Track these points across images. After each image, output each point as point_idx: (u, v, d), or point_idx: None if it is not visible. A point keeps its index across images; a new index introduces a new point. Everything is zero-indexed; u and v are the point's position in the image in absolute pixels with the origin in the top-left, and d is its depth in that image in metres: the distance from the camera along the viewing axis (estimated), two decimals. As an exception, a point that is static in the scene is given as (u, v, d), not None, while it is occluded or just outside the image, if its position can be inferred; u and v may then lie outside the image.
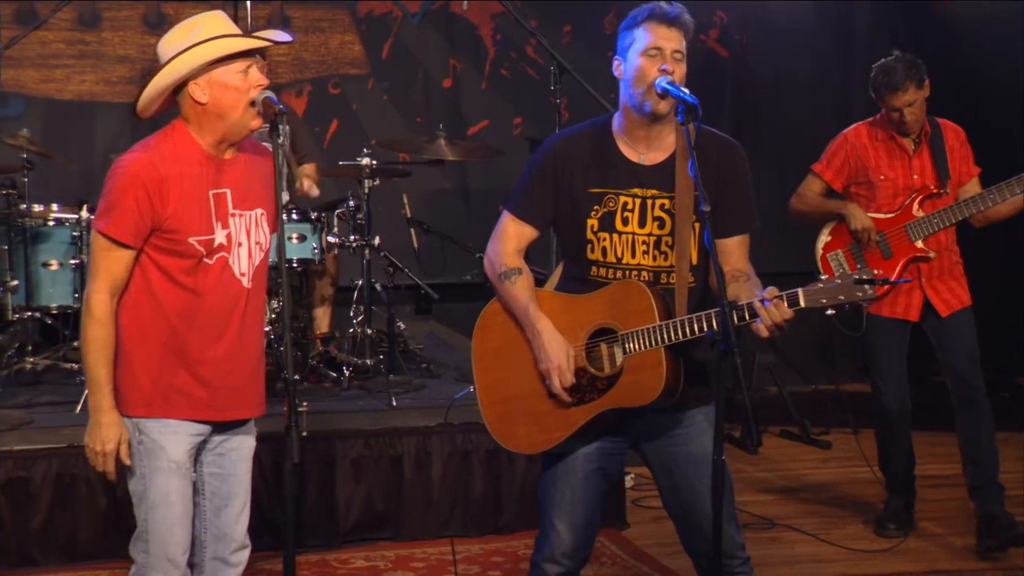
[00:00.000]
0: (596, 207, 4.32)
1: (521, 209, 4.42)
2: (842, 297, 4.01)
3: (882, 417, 6.57)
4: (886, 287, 5.88)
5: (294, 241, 7.01)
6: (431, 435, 6.57)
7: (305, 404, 4.35)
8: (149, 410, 4.19)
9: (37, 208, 7.03)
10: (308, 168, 7.72)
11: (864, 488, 7.31)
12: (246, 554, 4.45)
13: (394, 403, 6.81)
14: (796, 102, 9.71)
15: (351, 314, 7.50)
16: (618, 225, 4.30)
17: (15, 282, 7.04)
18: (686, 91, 4.14)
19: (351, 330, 7.42)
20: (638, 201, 4.29)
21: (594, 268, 4.35)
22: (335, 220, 7.30)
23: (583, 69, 9.31)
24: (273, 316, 6.98)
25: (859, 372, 9.67)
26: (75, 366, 6.91)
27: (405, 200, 7.92)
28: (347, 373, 7.23)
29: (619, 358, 4.25)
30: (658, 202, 4.30)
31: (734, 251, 4.37)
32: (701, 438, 4.37)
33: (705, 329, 4.10)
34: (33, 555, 6.15)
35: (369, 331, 7.41)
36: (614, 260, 4.32)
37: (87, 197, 7.09)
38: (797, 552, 6.49)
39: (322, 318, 7.57)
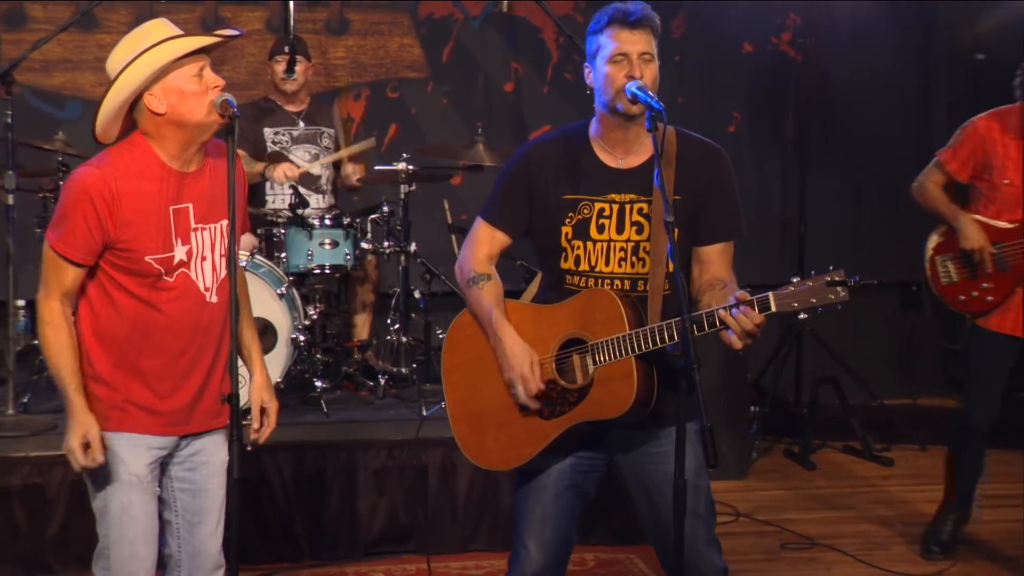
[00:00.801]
0: (571, 214, 4.19)
1: (493, 215, 4.31)
2: (814, 300, 3.86)
3: (965, 432, 6.30)
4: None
5: (326, 247, 6.92)
6: (456, 446, 6.42)
7: (249, 418, 4.18)
8: (107, 423, 4.11)
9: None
10: (352, 167, 7.67)
11: (918, 508, 7.10)
12: (221, 573, 4.34)
13: (425, 413, 6.69)
14: (870, 106, 9.45)
15: (388, 321, 7.39)
16: (593, 233, 4.17)
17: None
18: (654, 96, 4.02)
19: (388, 337, 7.31)
20: (615, 207, 4.16)
21: (568, 277, 4.23)
22: (368, 226, 7.20)
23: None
24: (307, 323, 6.90)
25: (940, 386, 9.45)
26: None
27: (446, 206, 7.79)
28: (383, 381, 7.12)
29: (590, 369, 4.11)
30: (636, 206, 4.17)
31: (715, 259, 4.23)
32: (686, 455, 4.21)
33: (676, 339, 3.96)
34: (49, 562, 6.12)
35: (405, 339, 7.30)
36: (587, 268, 4.20)
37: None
38: (833, 573, 6.27)
39: (362, 325, 7.48)
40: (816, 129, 9.26)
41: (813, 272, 3.88)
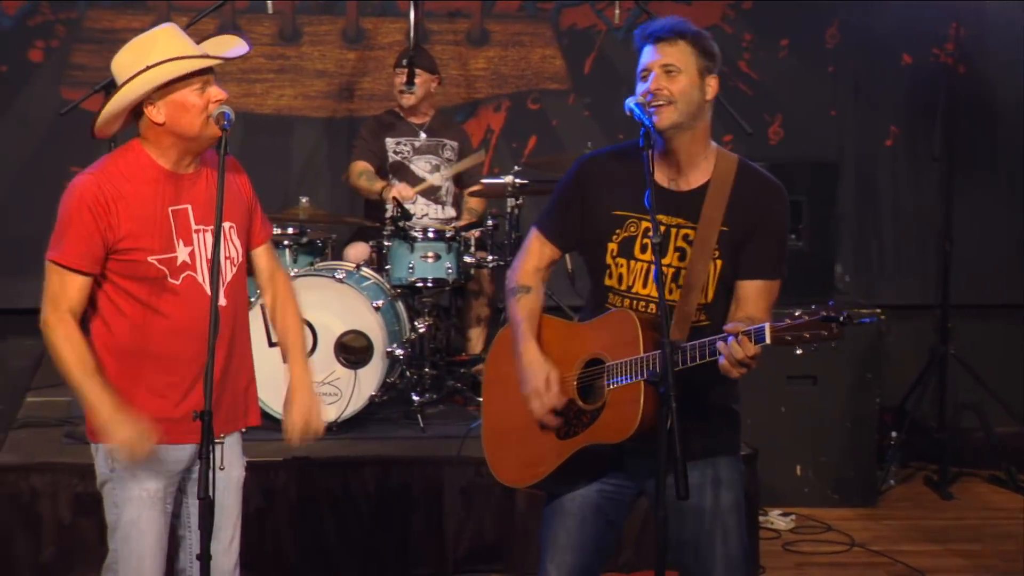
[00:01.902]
0: (618, 231, 4.12)
1: (546, 227, 4.27)
2: (807, 335, 3.73)
3: None
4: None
5: (428, 260, 6.90)
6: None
7: (223, 436, 4.13)
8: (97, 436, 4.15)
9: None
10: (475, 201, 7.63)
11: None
12: None
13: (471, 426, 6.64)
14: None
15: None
16: (636, 252, 4.09)
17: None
18: (650, 113, 3.95)
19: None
20: (662, 228, 4.03)
21: (610, 295, 4.15)
22: (472, 239, 7.15)
23: (800, 84, 8.97)
24: (413, 336, 6.89)
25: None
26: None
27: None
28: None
29: (606, 391, 4.04)
30: (682, 232, 4.07)
31: (750, 296, 4.10)
32: (713, 491, 4.14)
33: (682, 363, 3.89)
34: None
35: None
36: (626, 289, 4.12)
37: (279, 210, 7.17)
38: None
39: (476, 339, 7.43)
40: (979, 146, 8.91)
41: (813, 307, 3.75)
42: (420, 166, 7.58)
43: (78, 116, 8.24)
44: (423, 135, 7.61)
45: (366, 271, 6.83)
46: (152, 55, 4.04)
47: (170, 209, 4.09)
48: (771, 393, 7.34)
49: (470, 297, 7.44)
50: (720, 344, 3.81)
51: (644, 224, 4.07)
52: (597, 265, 4.19)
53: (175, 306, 4.10)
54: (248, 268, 4.38)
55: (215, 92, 4.09)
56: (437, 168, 7.59)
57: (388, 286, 6.85)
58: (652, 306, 4.08)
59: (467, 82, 8.79)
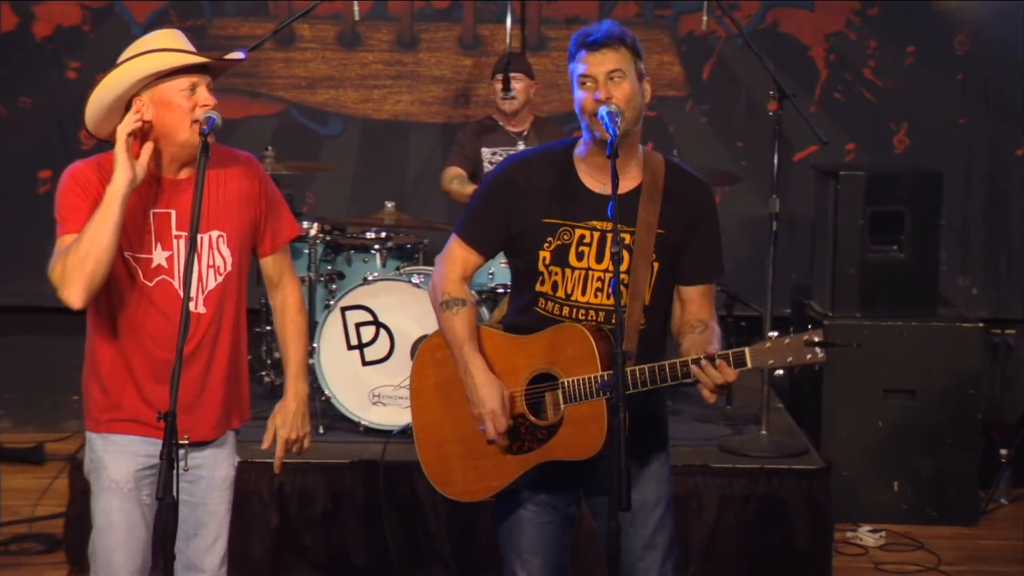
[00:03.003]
0: (550, 239, 4.07)
1: (468, 234, 4.20)
2: (791, 359, 3.73)
3: None
4: None
5: (506, 266, 6.90)
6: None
7: (187, 437, 4.15)
8: (96, 425, 4.24)
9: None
10: None
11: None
12: None
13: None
14: None
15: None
16: (572, 260, 4.05)
17: (270, 296, 7.27)
18: (615, 123, 3.89)
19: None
20: (596, 235, 4.02)
21: (542, 300, 4.11)
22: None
23: (928, 92, 8.77)
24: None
25: None
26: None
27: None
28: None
29: (561, 407, 4.02)
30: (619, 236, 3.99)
31: (696, 299, 4.10)
32: (642, 484, 4.13)
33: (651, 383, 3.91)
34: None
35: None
36: (563, 296, 4.07)
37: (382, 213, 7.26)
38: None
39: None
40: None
41: (791, 329, 3.70)
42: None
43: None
44: (520, 144, 7.62)
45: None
46: (143, 49, 4.07)
47: (152, 212, 4.12)
48: (867, 407, 7.20)
49: (562, 305, 7.42)
50: (695, 369, 3.81)
51: (579, 232, 4.03)
52: (527, 271, 4.14)
53: (148, 308, 4.13)
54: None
55: (203, 96, 4.07)
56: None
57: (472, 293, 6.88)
58: (592, 313, 4.04)
59: (583, 88, 8.77)
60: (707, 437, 6.79)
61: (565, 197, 4.02)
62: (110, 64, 7.75)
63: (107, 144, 4.18)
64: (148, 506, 4.27)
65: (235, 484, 4.48)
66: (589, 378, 3.95)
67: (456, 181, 7.48)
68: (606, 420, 3.88)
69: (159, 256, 4.13)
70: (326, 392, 6.62)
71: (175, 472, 3.82)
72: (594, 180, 4.07)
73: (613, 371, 3.74)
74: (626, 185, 4.04)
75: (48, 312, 8.37)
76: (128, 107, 4.09)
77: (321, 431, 6.63)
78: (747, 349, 3.74)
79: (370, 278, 6.70)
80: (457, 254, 4.21)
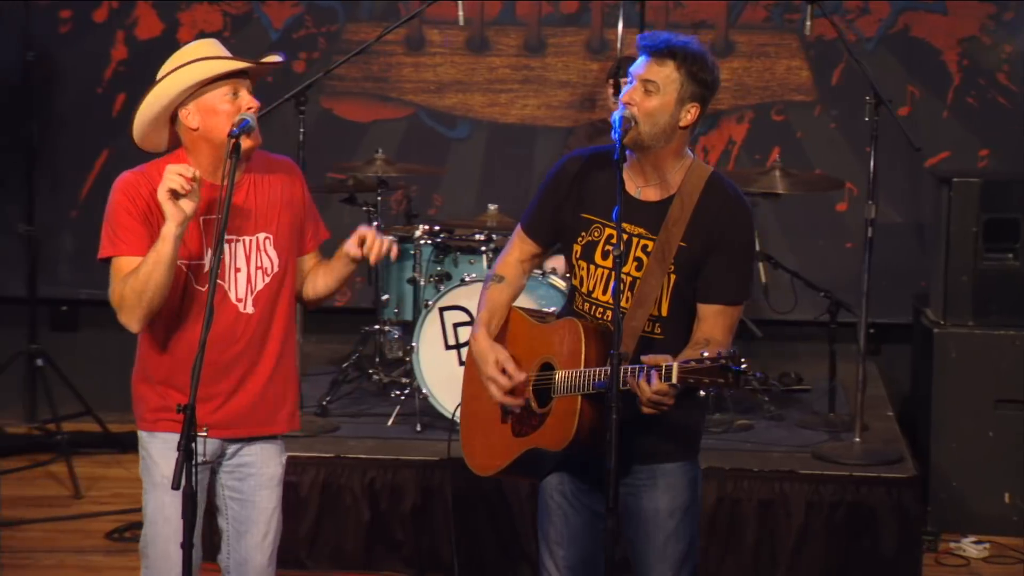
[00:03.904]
0: (583, 233, 4.16)
1: (524, 222, 4.35)
2: (706, 380, 3.69)
3: None
4: None
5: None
6: (698, 479, 6.33)
7: (206, 429, 4.24)
8: (147, 424, 4.40)
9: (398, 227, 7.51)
10: None
11: None
12: None
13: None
14: None
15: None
16: (597, 258, 4.12)
17: (385, 296, 7.43)
18: (623, 128, 3.98)
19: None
20: (624, 237, 4.03)
21: (577, 296, 4.22)
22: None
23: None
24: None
25: None
26: (407, 380, 7.16)
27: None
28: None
29: (552, 398, 4.11)
30: (642, 242, 4.10)
31: (708, 318, 4.09)
32: (654, 492, 4.18)
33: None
34: (301, 558, 6.47)
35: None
36: (587, 292, 4.17)
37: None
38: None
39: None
40: None
41: (720, 353, 3.68)
42: (629, 177, 7.61)
43: (335, 124, 8.75)
44: (633, 148, 7.63)
45: (554, 279, 6.91)
46: (184, 60, 4.26)
47: (201, 219, 4.28)
48: (978, 418, 7.08)
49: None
50: (630, 379, 3.82)
51: (608, 231, 4.09)
52: (568, 264, 4.27)
53: (197, 312, 4.27)
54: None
55: (246, 100, 4.24)
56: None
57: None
58: (609, 313, 4.07)
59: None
60: (803, 443, 6.75)
61: (605, 196, 4.05)
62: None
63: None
64: (199, 503, 4.37)
65: (284, 482, 4.62)
66: (571, 372, 4.02)
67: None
68: (577, 417, 3.98)
69: (210, 261, 4.27)
70: (424, 390, 6.73)
71: (194, 464, 3.94)
72: (632, 183, 4.14)
73: (610, 374, 3.79)
74: (660, 194, 4.11)
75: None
76: (174, 119, 4.29)
77: (419, 428, 6.77)
78: (675, 365, 3.71)
79: (467, 279, 6.80)
80: (515, 240, 4.37)
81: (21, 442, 8.12)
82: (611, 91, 7.62)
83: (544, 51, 8.85)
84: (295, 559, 6.46)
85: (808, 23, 6.97)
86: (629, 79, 4.08)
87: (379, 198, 7.45)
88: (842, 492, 6.26)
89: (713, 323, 4.06)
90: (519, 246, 4.34)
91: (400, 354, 7.41)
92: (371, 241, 4.36)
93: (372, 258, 4.37)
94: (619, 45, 7.83)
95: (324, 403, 7.14)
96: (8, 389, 8.35)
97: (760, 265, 7.39)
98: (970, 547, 6.82)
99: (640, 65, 4.05)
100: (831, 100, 8.74)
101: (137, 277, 4.14)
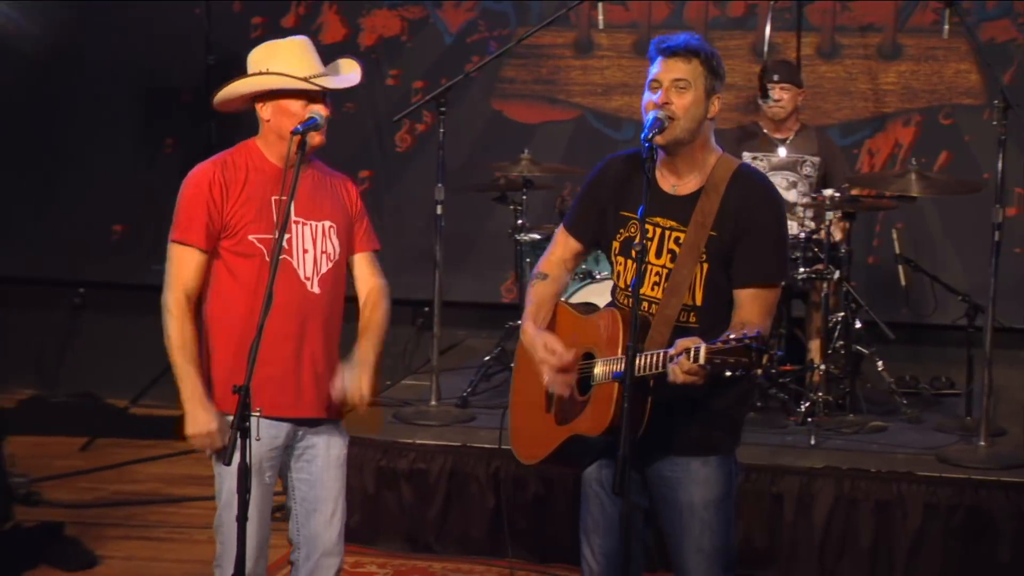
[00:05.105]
0: (621, 230, 4.30)
1: (568, 221, 4.50)
2: (732, 360, 3.76)
3: None
4: None
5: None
6: (815, 477, 6.35)
7: (259, 410, 4.38)
8: (223, 405, 4.54)
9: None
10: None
11: None
12: (336, 561, 4.74)
13: (812, 442, 6.65)
14: None
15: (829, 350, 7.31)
16: (634, 252, 4.19)
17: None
18: (654, 130, 4.10)
19: (820, 364, 7.21)
20: (658, 231, 4.21)
21: (618, 291, 4.35)
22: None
23: None
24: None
25: None
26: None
27: (894, 236, 7.56)
28: (803, 407, 7.07)
29: (593, 385, 4.23)
30: (673, 235, 4.21)
31: (744, 303, 4.17)
32: (692, 486, 4.24)
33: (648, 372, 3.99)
34: (430, 543, 6.69)
35: (832, 367, 7.19)
36: (625, 286, 4.29)
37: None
38: None
39: (814, 350, 7.38)
40: None
41: (744, 334, 3.75)
42: (776, 181, 7.59)
43: (505, 125, 8.97)
44: (782, 151, 7.66)
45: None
46: (272, 62, 4.58)
47: (273, 199, 4.56)
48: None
49: (811, 309, 7.44)
50: (663, 361, 3.93)
51: (644, 226, 4.19)
52: (610, 262, 4.39)
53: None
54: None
55: (318, 108, 4.54)
56: (794, 185, 7.60)
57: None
58: (647, 304, 4.19)
59: (876, 96, 8.73)
60: (932, 446, 6.70)
61: (639, 194, 4.16)
62: (423, 71, 8.31)
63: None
64: (269, 485, 4.64)
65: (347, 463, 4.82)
66: (609, 360, 4.14)
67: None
68: (614, 402, 4.06)
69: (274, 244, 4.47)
70: (554, 384, 6.86)
71: (248, 442, 4.10)
72: (665, 179, 4.26)
73: (627, 362, 3.91)
74: (689, 187, 4.23)
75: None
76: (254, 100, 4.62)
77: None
78: (703, 347, 3.78)
79: (597, 276, 6.93)
80: (559, 238, 4.52)
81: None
82: (770, 93, 7.64)
83: (712, 54, 8.90)
84: (424, 543, 6.69)
85: (946, 27, 6.89)
86: (650, 83, 4.20)
87: (524, 197, 7.61)
88: (960, 495, 6.19)
89: (750, 307, 4.14)
90: (562, 244, 4.48)
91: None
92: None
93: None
94: (765, 48, 7.84)
95: (464, 394, 7.34)
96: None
97: (900, 268, 7.35)
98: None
99: (665, 67, 4.18)
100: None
101: (168, 340, 4.53)
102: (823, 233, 7.10)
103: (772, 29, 8.62)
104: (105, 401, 9.08)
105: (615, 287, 4.37)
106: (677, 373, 3.86)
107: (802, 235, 7.16)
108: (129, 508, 7.31)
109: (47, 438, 8.59)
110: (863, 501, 6.28)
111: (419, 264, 7.94)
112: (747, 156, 7.67)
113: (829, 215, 7.05)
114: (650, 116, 4.13)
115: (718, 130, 8.17)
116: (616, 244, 4.31)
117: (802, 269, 7.11)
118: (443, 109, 7.10)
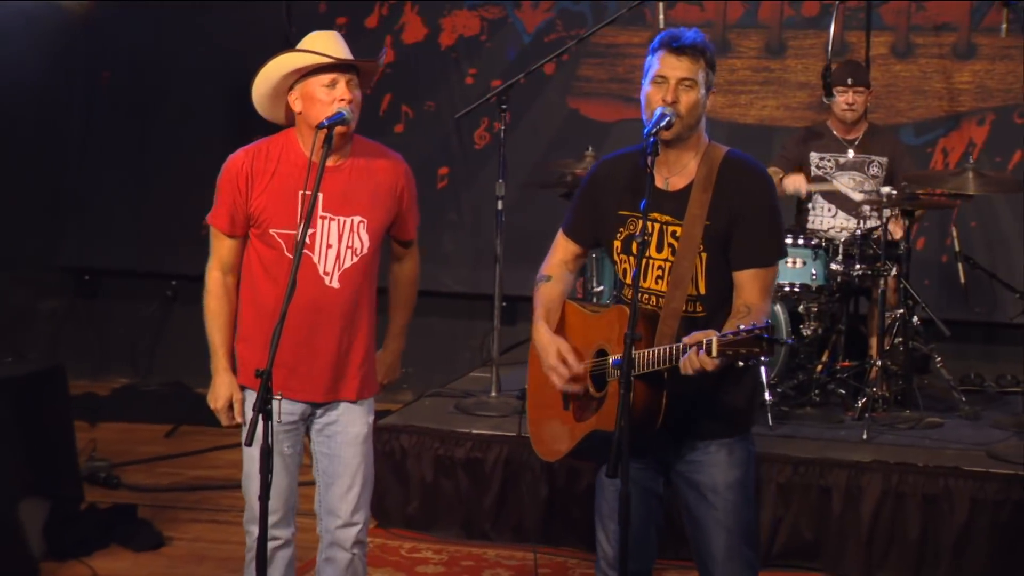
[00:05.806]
0: (621, 229, 4.38)
1: (566, 225, 4.59)
2: (743, 351, 3.86)
3: None
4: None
5: (793, 265, 7.09)
6: (863, 471, 6.40)
7: (280, 395, 4.58)
8: (245, 381, 4.82)
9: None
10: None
11: None
12: (353, 531, 4.91)
13: (864, 436, 6.71)
14: None
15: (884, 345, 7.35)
16: (635, 248, 4.29)
17: (600, 287, 7.75)
18: (662, 124, 4.18)
19: (877, 360, 7.25)
20: (656, 226, 4.30)
21: (624, 289, 4.42)
22: (841, 247, 7.24)
23: None
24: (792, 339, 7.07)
25: None
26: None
27: (954, 233, 7.57)
28: (860, 403, 7.12)
29: (608, 381, 4.31)
30: (670, 228, 4.31)
31: (746, 285, 4.26)
32: (713, 469, 4.34)
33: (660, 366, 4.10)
34: (486, 530, 6.84)
35: (890, 363, 7.23)
36: (629, 282, 4.34)
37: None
38: None
39: (873, 346, 7.43)
40: None
41: (754, 325, 3.85)
42: (843, 182, 7.65)
43: (581, 123, 9.09)
44: (851, 152, 7.71)
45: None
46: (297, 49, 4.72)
47: (300, 193, 4.68)
48: None
49: (872, 306, 7.48)
50: (683, 360, 4.01)
51: (642, 223, 4.27)
52: (612, 261, 4.47)
53: (287, 277, 4.51)
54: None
55: (341, 91, 4.63)
56: (861, 185, 7.64)
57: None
58: (652, 298, 4.29)
59: (950, 95, 8.73)
60: (984, 442, 6.73)
61: (637, 190, 4.27)
62: (501, 70, 8.46)
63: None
64: (290, 456, 4.86)
65: (372, 441, 5.00)
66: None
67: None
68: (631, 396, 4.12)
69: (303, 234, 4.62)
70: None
71: (270, 424, 4.24)
72: (659, 175, 4.34)
73: (624, 352, 4.01)
74: (683, 181, 4.32)
75: (443, 296, 9.23)
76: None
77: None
78: (714, 339, 3.87)
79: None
80: (559, 242, 4.61)
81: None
82: (838, 96, 7.68)
83: (784, 53, 8.99)
84: (480, 531, 6.84)
85: (1004, 25, 6.89)
86: (655, 77, 4.27)
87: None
88: (1008, 490, 6.22)
89: (750, 288, 4.23)
90: (562, 248, 4.57)
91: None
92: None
93: None
94: (828, 48, 7.88)
95: (524, 387, 7.46)
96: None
97: (959, 266, 7.38)
98: None
99: (674, 64, 4.25)
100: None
101: (205, 309, 4.84)
102: (880, 231, 7.13)
103: (844, 29, 8.69)
104: (194, 390, 9.28)
105: (621, 285, 4.46)
106: (690, 366, 3.97)
107: (858, 232, 7.21)
108: (202, 492, 7.55)
109: (136, 425, 8.95)
110: (910, 495, 6.33)
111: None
112: (815, 156, 7.75)
113: (887, 212, 7.08)
114: (657, 112, 4.21)
115: (785, 129, 8.38)
116: (617, 243, 4.39)
117: (858, 265, 7.16)
118: (504, 107, 7.19)
